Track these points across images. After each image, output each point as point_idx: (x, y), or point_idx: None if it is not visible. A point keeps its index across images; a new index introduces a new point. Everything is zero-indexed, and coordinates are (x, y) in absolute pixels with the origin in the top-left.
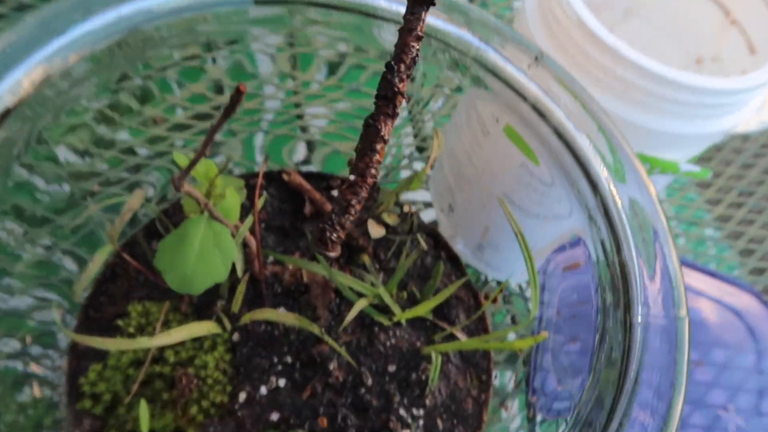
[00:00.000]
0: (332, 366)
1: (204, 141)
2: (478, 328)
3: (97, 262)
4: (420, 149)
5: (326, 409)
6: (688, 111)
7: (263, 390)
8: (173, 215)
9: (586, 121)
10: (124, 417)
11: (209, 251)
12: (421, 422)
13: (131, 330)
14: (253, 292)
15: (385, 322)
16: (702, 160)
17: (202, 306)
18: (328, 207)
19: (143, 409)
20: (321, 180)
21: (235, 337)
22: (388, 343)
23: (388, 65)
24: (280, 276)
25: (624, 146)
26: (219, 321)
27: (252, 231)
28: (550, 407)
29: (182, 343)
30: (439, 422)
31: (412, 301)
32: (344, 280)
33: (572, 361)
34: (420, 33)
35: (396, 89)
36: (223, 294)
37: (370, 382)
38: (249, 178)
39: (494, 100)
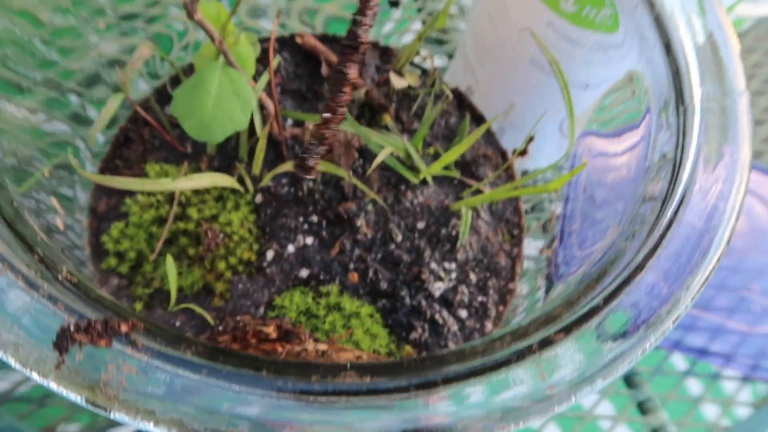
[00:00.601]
0: (360, 223)
1: None
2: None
3: (111, 108)
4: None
5: (356, 264)
6: None
7: (291, 248)
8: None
9: None
10: (151, 275)
11: (227, 97)
12: (453, 275)
13: None
14: (274, 155)
15: (412, 179)
16: None
17: (222, 168)
18: None
19: (170, 265)
20: (334, 42)
21: (258, 198)
22: (415, 201)
23: (353, 20)
24: (300, 138)
25: None
26: (241, 182)
27: (268, 91)
28: (566, 274)
29: (204, 202)
30: (472, 275)
31: (438, 159)
32: (369, 134)
33: (597, 231)
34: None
35: (360, 39)
36: (243, 157)
37: (399, 238)
38: (260, 42)
39: None
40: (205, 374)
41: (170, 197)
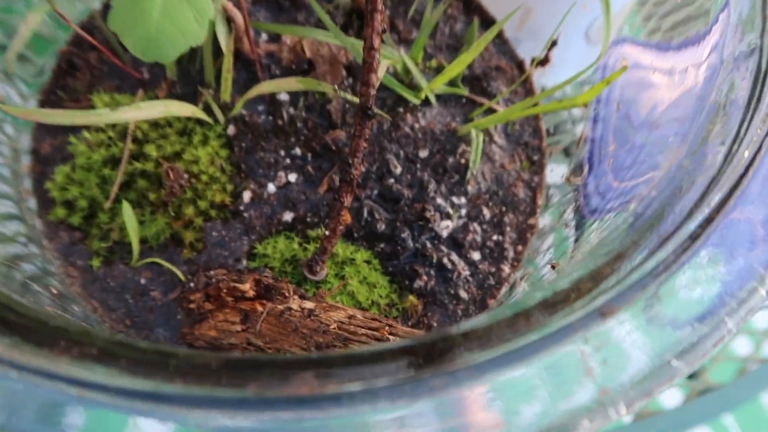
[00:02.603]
0: (354, 161)
1: None
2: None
3: (31, 23)
4: None
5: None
6: None
7: (271, 187)
8: None
9: None
10: (108, 225)
11: (176, 4)
12: (463, 211)
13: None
14: (246, 77)
15: (412, 98)
16: None
17: (186, 96)
18: None
19: (128, 213)
20: None
21: (230, 130)
22: (416, 126)
23: (345, 161)
24: (276, 55)
25: None
26: (209, 112)
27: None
28: (601, 207)
29: (165, 137)
30: (485, 210)
31: (441, 73)
32: (359, 46)
33: (641, 158)
34: (367, 137)
35: (352, 176)
36: (210, 81)
37: (398, 170)
38: None
39: None
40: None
41: (124, 133)
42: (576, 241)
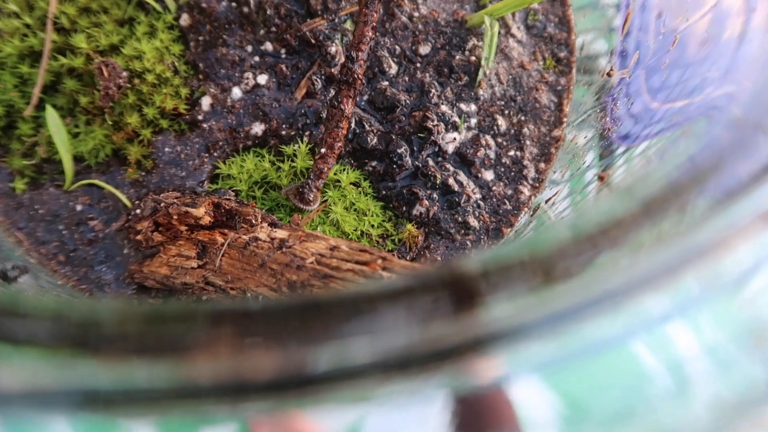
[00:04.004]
0: (334, 50)
1: None
2: None
3: None
4: None
5: None
6: None
7: (236, 92)
8: None
9: None
10: (31, 138)
11: None
12: (473, 120)
13: None
14: None
15: None
16: None
17: None
18: None
19: (53, 120)
20: None
21: (184, 19)
22: (416, 14)
23: (348, 55)
24: None
25: None
26: None
27: None
28: (635, 133)
29: (99, 25)
30: (500, 120)
31: None
32: None
33: (682, 75)
34: (374, 23)
35: (356, 75)
36: None
37: (394, 70)
38: None
39: None
40: None
41: (43, 20)
42: (604, 169)
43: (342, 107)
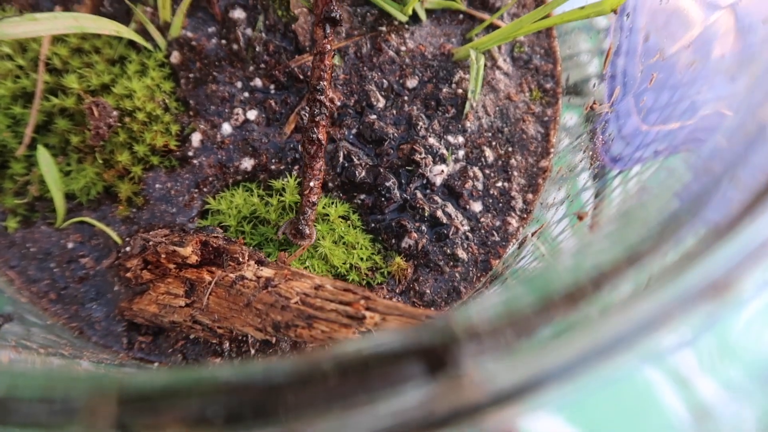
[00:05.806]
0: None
1: None
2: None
3: None
4: None
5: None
6: None
7: (226, 128)
8: None
9: None
10: (24, 177)
11: None
12: (461, 152)
13: None
14: None
15: (397, 14)
16: None
17: (118, 16)
18: None
19: (44, 160)
20: None
21: (175, 57)
22: (403, 48)
23: (312, 88)
24: None
25: None
26: (146, 35)
27: None
28: (627, 155)
29: (91, 65)
30: (488, 151)
31: None
32: None
33: (672, 98)
34: (333, 50)
35: (324, 102)
36: None
37: (381, 103)
38: None
39: None
40: None
41: (36, 61)
42: (597, 195)
43: (319, 137)
